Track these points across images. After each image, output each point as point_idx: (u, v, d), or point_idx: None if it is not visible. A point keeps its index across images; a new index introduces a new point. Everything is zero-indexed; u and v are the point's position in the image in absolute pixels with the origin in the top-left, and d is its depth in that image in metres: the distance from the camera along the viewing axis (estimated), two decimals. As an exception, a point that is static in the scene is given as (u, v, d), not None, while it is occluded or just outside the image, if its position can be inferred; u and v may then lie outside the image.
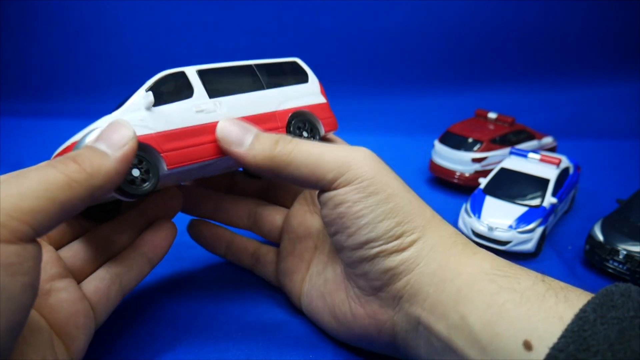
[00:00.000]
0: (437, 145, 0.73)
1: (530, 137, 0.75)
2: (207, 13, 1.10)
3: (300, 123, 0.39)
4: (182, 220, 0.45)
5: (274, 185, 0.45)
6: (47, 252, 0.31)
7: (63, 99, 1.09)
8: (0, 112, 1.02)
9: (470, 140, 0.71)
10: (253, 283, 0.46)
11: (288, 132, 0.38)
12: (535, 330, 0.24)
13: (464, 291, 0.28)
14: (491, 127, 0.75)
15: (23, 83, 1.11)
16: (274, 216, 0.43)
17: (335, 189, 0.32)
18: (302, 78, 0.42)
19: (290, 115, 0.39)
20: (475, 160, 0.69)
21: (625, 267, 0.48)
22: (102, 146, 0.27)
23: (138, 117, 0.31)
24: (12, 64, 1.10)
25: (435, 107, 1.12)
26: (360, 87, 1.15)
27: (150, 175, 0.31)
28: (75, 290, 0.31)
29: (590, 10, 1.11)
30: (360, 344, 0.36)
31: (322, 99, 0.42)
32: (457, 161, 0.70)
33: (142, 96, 0.32)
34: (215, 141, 0.34)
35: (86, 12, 1.09)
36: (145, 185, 0.31)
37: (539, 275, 0.29)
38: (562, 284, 0.28)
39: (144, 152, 0.31)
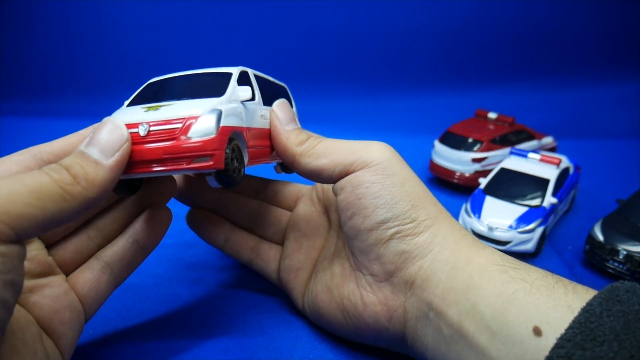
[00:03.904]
0: (437, 145, 0.73)
1: (530, 137, 0.75)
2: (208, 13, 1.10)
3: None
4: (182, 216, 0.45)
5: (273, 192, 0.45)
6: (34, 248, 0.31)
7: (63, 99, 1.09)
8: (0, 112, 1.02)
9: (470, 140, 0.71)
10: (253, 283, 0.46)
11: None
12: (545, 317, 0.25)
13: (476, 279, 0.29)
14: (491, 127, 0.75)
15: (23, 83, 1.11)
16: (279, 217, 0.43)
17: (353, 171, 0.34)
18: (290, 104, 0.45)
19: None
20: (475, 160, 0.69)
21: (625, 267, 0.48)
22: (94, 152, 0.26)
23: (238, 108, 0.32)
24: (12, 64, 1.10)
25: (435, 107, 1.12)
26: (360, 87, 1.15)
27: (241, 162, 0.31)
28: (59, 286, 0.31)
29: (590, 11, 1.11)
30: (367, 338, 0.36)
31: None
32: (457, 161, 0.70)
33: (242, 89, 0.32)
34: (268, 146, 0.36)
35: (86, 12, 1.09)
36: (242, 173, 0.32)
37: (547, 271, 0.30)
38: (570, 280, 0.28)
39: (239, 141, 0.31)
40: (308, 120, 0.47)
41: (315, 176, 0.36)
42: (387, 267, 0.33)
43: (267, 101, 0.39)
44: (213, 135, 0.28)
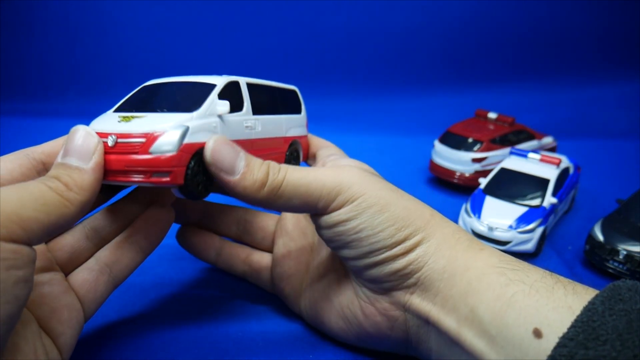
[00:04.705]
0: (437, 145, 0.73)
1: (530, 137, 0.75)
2: (207, 13, 1.10)
3: (294, 152, 0.43)
4: (174, 225, 0.45)
5: None
6: None
7: (63, 99, 1.09)
8: (0, 112, 1.02)
9: (470, 140, 0.71)
10: (253, 284, 0.46)
11: (285, 157, 0.42)
12: (545, 319, 0.25)
13: (474, 284, 0.29)
14: (491, 127, 0.75)
15: (23, 83, 1.11)
16: (266, 222, 0.43)
17: (329, 213, 0.32)
18: (298, 108, 0.45)
19: (290, 142, 0.42)
20: (475, 160, 0.69)
21: (625, 267, 0.48)
22: (73, 160, 0.27)
23: (213, 122, 0.32)
24: (12, 64, 1.10)
25: (435, 107, 1.12)
26: (360, 87, 1.15)
27: (210, 179, 0.32)
28: (59, 284, 0.31)
29: (590, 11, 1.12)
30: (370, 344, 0.36)
31: (306, 132, 0.46)
32: (457, 161, 0.70)
33: (220, 103, 0.32)
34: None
35: (86, 12, 1.09)
36: (208, 188, 0.32)
37: (547, 271, 0.29)
38: (569, 280, 0.28)
39: None
40: (308, 120, 0.47)
41: (289, 212, 0.34)
42: (383, 285, 0.33)
43: (268, 110, 0.39)
44: (173, 153, 0.29)
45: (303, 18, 1.12)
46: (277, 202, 0.31)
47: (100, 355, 0.36)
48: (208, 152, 0.30)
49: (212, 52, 1.12)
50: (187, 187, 0.30)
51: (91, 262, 0.33)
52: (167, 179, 0.29)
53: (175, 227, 0.46)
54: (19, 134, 0.92)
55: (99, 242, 0.34)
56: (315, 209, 0.32)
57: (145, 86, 0.36)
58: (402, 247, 0.31)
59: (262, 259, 0.43)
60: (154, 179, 0.29)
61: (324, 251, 0.39)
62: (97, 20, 1.10)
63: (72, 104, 1.07)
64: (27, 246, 0.23)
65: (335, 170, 0.33)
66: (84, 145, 0.28)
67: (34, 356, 0.26)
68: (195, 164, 0.30)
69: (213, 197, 0.45)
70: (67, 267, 0.33)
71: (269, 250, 0.43)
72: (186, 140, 0.29)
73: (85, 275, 0.32)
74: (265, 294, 0.44)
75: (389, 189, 0.33)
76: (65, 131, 0.32)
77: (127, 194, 0.36)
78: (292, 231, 0.41)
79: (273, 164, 0.32)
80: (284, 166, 0.32)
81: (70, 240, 0.33)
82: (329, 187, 0.32)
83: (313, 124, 0.47)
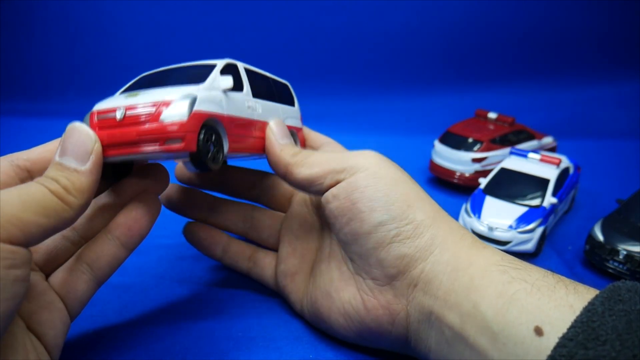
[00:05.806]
0: (437, 145, 0.73)
1: (530, 137, 0.75)
2: (207, 12, 1.10)
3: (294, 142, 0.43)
4: (180, 221, 0.45)
5: (268, 188, 0.45)
6: None
7: (63, 99, 1.09)
8: (0, 112, 1.02)
9: (470, 140, 0.71)
10: (254, 284, 0.46)
11: None
12: (546, 317, 0.25)
13: (477, 280, 0.29)
14: (491, 127, 0.75)
15: (23, 83, 1.11)
16: (273, 220, 0.43)
17: (344, 179, 0.34)
18: (291, 101, 0.46)
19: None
20: (475, 160, 0.69)
21: (625, 267, 0.48)
22: (71, 161, 0.27)
23: (218, 96, 0.32)
24: (12, 64, 1.10)
25: (435, 107, 1.12)
26: (360, 87, 1.15)
27: (220, 149, 0.32)
28: (37, 285, 0.30)
29: (590, 10, 1.11)
30: (370, 341, 0.36)
31: (300, 125, 0.47)
32: (457, 161, 0.70)
33: (224, 79, 0.33)
34: (256, 137, 0.37)
35: (86, 12, 1.09)
36: (218, 159, 0.32)
37: (548, 271, 0.29)
38: (570, 279, 0.28)
39: (217, 127, 0.32)
40: (308, 120, 0.48)
41: (306, 185, 0.36)
42: (389, 271, 0.33)
43: (265, 96, 0.39)
44: (185, 119, 0.29)
45: (303, 18, 1.12)
46: (300, 167, 0.36)
47: (100, 356, 0.36)
48: (273, 120, 0.39)
49: (212, 53, 1.11)
50: (200, 154, 0.30)
51: (71, 262, 0.32)
52: (181, 145, 0.29)
53: (173, 227, 0.46)
54: (19, 134, 0.92)
55: (77, 240, 0.33)
56: (331, 173, 0.35)
57: (145, 75, 0.36)
58: (412, 228, 0.32)
59: (267, 256, 0.43)
60: (167, 147, 0.29)
61: (328, 250, 0.39)
62: (97, 20, 1.10)
63: (72, 104, 1.07)
64: (24, 248, 0.24)
65: (354, 151, 0.37)
66: (81, 144, 0.28)
67: (24, 354, 0.27)
68: (205, 134, 0.30)
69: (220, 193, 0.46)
70: (47, 267, 0.32)
71: (275, 247, 0.43)
72: (195, 108, 0.29)
73: (65, 275, 0.32)
74: (265, 294, 0.44)
75: (402, 171, 0.35)
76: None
77: (107, 190, 0.35)
78: (297, 230, 0.41)
79: (306, 149, 0.38)
80: (312, 151, 0.37)
81: (48, 240, 0.32)
82: (347, 157, 0.35)
83: (313, 124, 0.48)
